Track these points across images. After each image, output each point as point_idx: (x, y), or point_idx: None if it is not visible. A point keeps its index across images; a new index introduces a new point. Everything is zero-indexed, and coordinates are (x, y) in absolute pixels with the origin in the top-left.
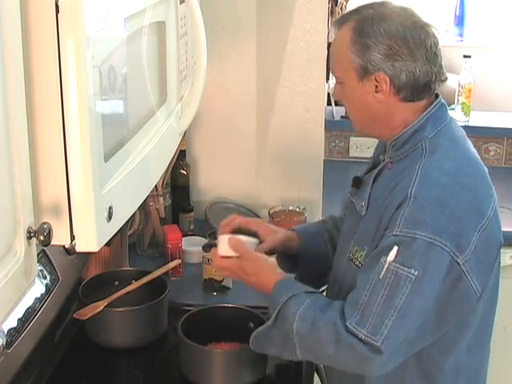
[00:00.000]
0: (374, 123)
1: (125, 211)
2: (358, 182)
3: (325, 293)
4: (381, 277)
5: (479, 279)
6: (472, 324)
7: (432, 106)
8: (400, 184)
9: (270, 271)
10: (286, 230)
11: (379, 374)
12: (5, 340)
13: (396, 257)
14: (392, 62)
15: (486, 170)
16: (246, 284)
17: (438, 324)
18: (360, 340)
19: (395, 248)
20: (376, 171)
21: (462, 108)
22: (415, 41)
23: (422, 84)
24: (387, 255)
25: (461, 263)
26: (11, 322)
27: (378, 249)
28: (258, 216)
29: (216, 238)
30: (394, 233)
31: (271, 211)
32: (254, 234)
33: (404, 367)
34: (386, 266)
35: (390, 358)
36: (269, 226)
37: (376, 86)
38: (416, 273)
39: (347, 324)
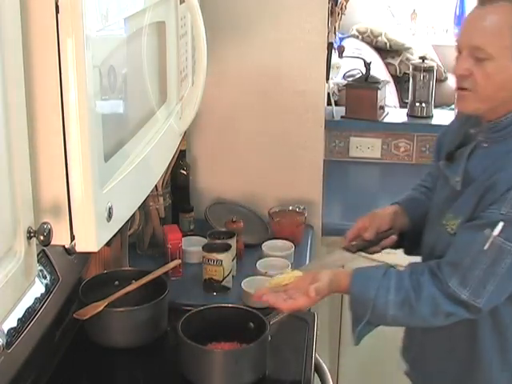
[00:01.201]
0: (502, 104)
1: (125, 211)
2: (450, 156)
3: None
4: (485, 248)
5: None
6: None
7: None
8: (506, 167)
9: (336, 272)
10: (388, 210)
11: None
12: (5, 340)
13: (501, 232)
14: None
15: None
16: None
17: None
18: (460, 302)
19: (501, 224)
20: (470, 148)
21: None
22: None
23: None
24: (493, 229)
25: None
26: (11, 322)
27: (482, 220)
28: (258, 216)
29: (216, 238)
30: (501, 211)
31: (271, 211)
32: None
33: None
34: (491, 239)
35: (484, 313)
36: (368, 216)
37: None
38: None
39: (449, 284)
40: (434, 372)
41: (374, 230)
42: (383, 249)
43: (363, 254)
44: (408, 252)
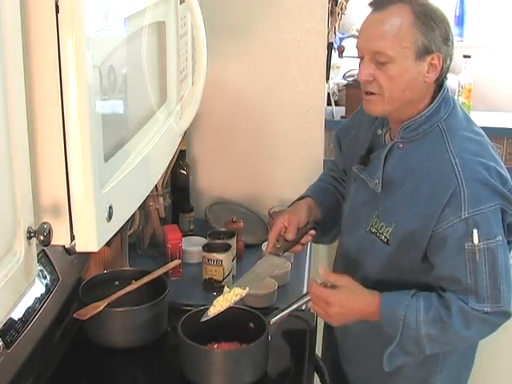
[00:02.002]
0: (411, 104)
1: (125, 211)
2: (365, 160)
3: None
4: (477, 259)
5: None
6: None
7: (443, 89)
8: (439, 170)
9: (365, 293)
10: (303, 206)
11: None
12: (5, 340)
13: (480, 237)
14: (445, 45)
15: (487, 138)
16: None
17: None
18: (487, 313)
19: (475, 231)
20: (386, 150)
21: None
22: (451, 29)
23: (448, 70)
24: (471, 240)
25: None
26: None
27: (454, 237)
28: (258, 216)
29: (216, 238)
30: (462, 217)
31: (271, 211)
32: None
33: None
34: (476, 250)
35: None
36: (286, 216)
37: (428, 67)
38: (500, 237)
39: (469, 305)
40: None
41: (295, 229)
42: (304, 245)
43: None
44: (315, 241)
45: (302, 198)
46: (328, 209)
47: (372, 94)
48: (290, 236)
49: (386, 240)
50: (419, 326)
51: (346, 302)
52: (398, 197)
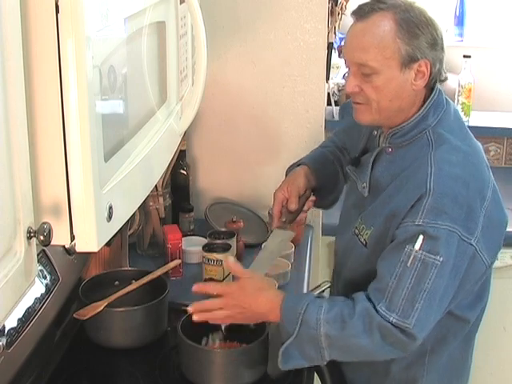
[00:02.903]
0: (400, 112)
1: (125, 211)
2: (356, 162)
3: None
4: (408, 264)
5: (489, 253)
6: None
7: (433, 94)
8: (415, 176)
9: (272, 290)
10: (300, 173)
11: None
12: (5, 340)
13: (422, 245)
14: (433, 50)
15: (481, 146)
16: (248, 321)
17: (458, 295)
18: (391, 324)
19: (421, 237)
20: (374, 155)
21: (462, 108)
22: (441, 32)
23: (443, 72)
24: (413, 244)
25: (474, 244)
26: (11, 322)
27: (400, 238)
28: (258, 216)
29: (216, 238)
30: (416, 223)
31: (271, 211)
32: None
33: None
34: (412, 254)
35: (422, 338)
36: (285, 186)
37: (415, 74)
38: (441, 259)
39: (377, 308)
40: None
41: (296, 199)
42: (307, 211)
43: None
44: (318, 205)
45: (298, 164)
46: (324, 176)
47: (360, 103)
48: (293, 206)
49: (364, 243)
50: (319, 325)
51: (255, 291)
52: (379, 201)
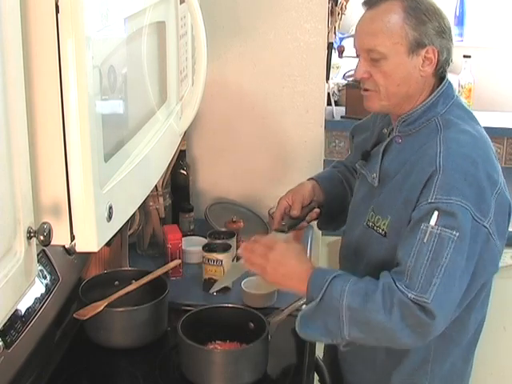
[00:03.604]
0: (408, 98)
1: (125, 211)
2: (366, 155)
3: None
4: (425, 241)
5: (500, 240)
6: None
7: (443, 84)
8: (424, 157)
9: (304, 256)
10: (307, 185)
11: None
12: (5, 340)
13: (437, 221)
14: (440, 38)
15: (490, 141)
16: (273, 276)
17: (473, 286)
18: (410, 300)
19: (435, 213)
20: (384, 145)
21: None
22: (448, 22)
23: (450, 62)
24: (428, 221)
25: (487, 226)
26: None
27: (415, 218)
28: (258, 216)
29: (216, 238)
30: (429, 200)
31: (271, 211)
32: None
33: None
34: (428, 231)
35: (442, 320)
36: (290, 194)
37: (423, 61)
38: (457, 234)
39: (397, 285)
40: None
41: (299, 206)
42: (309, 222)
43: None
44: (320, 226)
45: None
46: (332, 195)
47: (369, 90)
48: (295, 213)
49: (383, 233)
50: (342, 295)
51: (287, 252)
52: (390, 189)
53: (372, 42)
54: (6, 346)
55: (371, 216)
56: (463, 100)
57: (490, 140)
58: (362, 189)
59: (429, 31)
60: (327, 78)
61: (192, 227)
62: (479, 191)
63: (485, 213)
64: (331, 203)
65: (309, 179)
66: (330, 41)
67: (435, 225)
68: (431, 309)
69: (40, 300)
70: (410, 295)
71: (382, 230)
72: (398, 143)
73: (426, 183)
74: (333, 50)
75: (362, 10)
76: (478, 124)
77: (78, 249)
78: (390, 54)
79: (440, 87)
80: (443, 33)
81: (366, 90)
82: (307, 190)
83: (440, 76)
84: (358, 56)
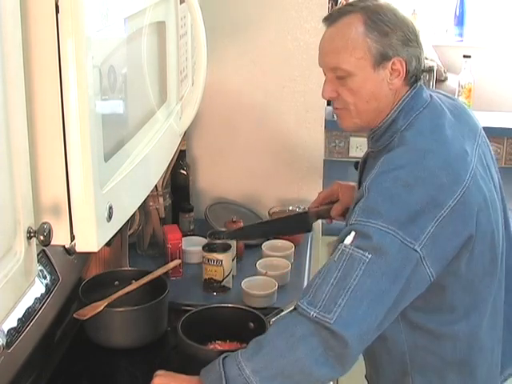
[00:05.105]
0: (379, 113)
1: (125, 211)
2: (356, 167)
3: None
4: (335, 259)
5: (435, 265)
6: (455, 291)
7: (404, 97)
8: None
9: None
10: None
11: (349, 366)
12: (5, 340)
13: (353, 241)
14: (406, 47)
15: (462, 153)
16: None
17: (394, 308)
18: (313, 319)
19: (352, 233)
20: (363, 158)
21: None
22: (415, 29)
23: (421, 70)
24: (343, 240)
25: (418, 250)
26: (11, 322)
27: (337, 238)
28: (259, 216)
29: (216, 238)
30: (351, 222)
31: (271, 211)
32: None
33: (400, 341)
34: (341, 249)
35: (352, 342)
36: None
37: (390, 73)
38: (370, 256)
39: (299, 303)
40: None
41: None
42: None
43: None
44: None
45: None
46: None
47: (339, 109)
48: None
49: None
50: (242, 368)
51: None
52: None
53: (335, 60)
54: (6, 345)
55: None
56: (439, 106)
57: (462, 155)
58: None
59: (393, 42)
60: None
61: (192, 227)
62: (409, 214)
63: (415, 236)
64: None
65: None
66: None
67: (350, 244)
68: (333, 328)
69: (40, 300)
70: (311, 313)
71: None
72: (373, 158)
73: (355, 205)
74: None
75: None
76: (445, 136)
77: (78, 249)
78: (355, 71)
79: (400, 101)
80: (409, 41)
81: (336, 108)
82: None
83: (412, 85)
84: (324, 75)
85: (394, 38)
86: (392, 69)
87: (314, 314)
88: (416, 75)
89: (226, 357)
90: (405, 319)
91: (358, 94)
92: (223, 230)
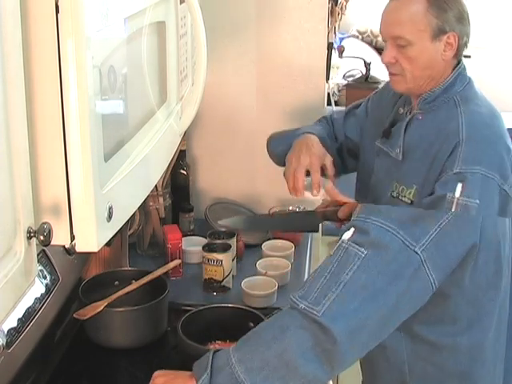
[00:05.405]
0: (431, 80)
1: (125, 211)
2: (387, 133)
3: None
4: (331, 252)
5: (437, 271)
6: (458, 302)
7: (459, 66)
8: (445, 129)
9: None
10: (316, 143)
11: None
12: (5, 340)
13: (351, 237)
14: (460, 24)
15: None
16: None
17: (393, 315)
18: (301, 312)
19: (352, 229)
20: (406, 122)
21: None
22: (466, 8)
23: (467, 45)
24: (453, 191)
25: (419, 252)
26: (11, 322)
27: (441, 187)
28: (258, 216)
29: (216, 238)
30: (454, 171)
31: (271, 211)
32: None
33: (400, 350)
34: (338, 244)
35: (341, 338)
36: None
37: (445, 46)
38: (366, 252)
39: (291, 297)
40: None
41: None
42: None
43: None
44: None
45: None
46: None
47: (395, 74)
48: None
49: (409, 201)
50: (229, 357)
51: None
52: (414, 160)
53: (398, 30)
54: (6, 345)
55: (395, 187)
56: (473, 82)
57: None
58: (383, 164)
59: (450, 18)
60: (327, 78)
61: (192, 227)
62: (501, 157)
63: (506, 177)
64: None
65: (306, 133)
66: (329, 41)
67: (347, 240)
68: (322, 322)
69: (40, 300)
70: (300, 305)
71: (408, 198)
72: (419, 119)
73: (451, 154)
74: (333, 50)
75: (361, 10)
76: (491, 103)
77: (78, 249)
78: (416, 41)
79: (457, 68)
80: (463, 19)
81: (392, 74)
82: (322, 150)
83: (458, 59)
84: (384, 42)
85: (451, 14)
86: (446, 42)
87: (303, 307)
88: (462, 50)
89: (219, 350)
90: (405, 329)
91: (414, 62)
92: (223, 230)
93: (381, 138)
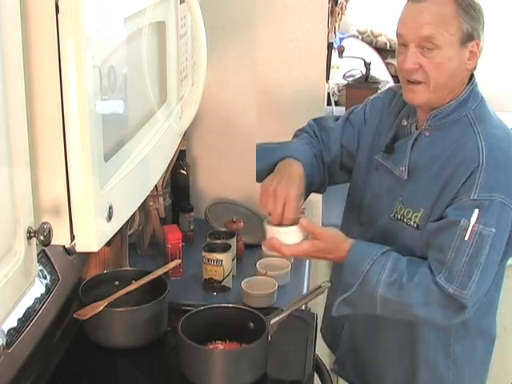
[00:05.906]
0: (450, 92)
1: (125, 211)
2: (390, 148)
3: None
4: (466, 238)
5: None
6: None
7: (472, 81)
8: (463, 151)
9: (343, 243)
10: (298, 178)
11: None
12: (5, 340)
13: (478, 218)
14: (482, 34)
15: None
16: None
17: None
18: (449, 295)
19: (476, 211)
20: (413, 138)
21: None
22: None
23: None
24: (469, 218)
25: None
26: (11, 322)
27: (454, 213)
28: (258, 216)
29: (216, 238)
30: (472, 197)
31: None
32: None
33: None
34: (470, 229)
35: (471, 310)
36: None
37: (469, 54)
38: (495, 230)
39: (437, 279)
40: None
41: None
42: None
43: None
44: None
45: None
46: (308, 169)
47: (417, 82)
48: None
49: (415, 225)
50: (378, 286)
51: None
52: (423, 181)
53: (430, 31)
54: (6, 345)
55: (399, 209)
56: (485, 99)
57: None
58: (383, 181)
59: (477, 26)
60: (327, 78)
61: (192, 227)
62: None
63: None
64: (311, 177)
65: (292, 157)
66: (329, 41)
67: (475, 223)
68: (466, 303)
69: (40, 300)
70: (449, 290)
71: (414, 222)
72: (426, 136)
73: (467, 179)
74: (333, 50)
75: (361, 10)
76: (502, 121)
77: (78, 249)
78: (445, 45)
79: (471, 83)
80: (484, 29)
81: (411, 82)
82: (300, 189)
83: (474, 70)
84: (403, 45)
85: (478, 22)
86: (471, 51)
87: (452, 291)
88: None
89: (375, 262)
90: None
91: (441, 69)
92: (223, 229)
93: (382, 152)
